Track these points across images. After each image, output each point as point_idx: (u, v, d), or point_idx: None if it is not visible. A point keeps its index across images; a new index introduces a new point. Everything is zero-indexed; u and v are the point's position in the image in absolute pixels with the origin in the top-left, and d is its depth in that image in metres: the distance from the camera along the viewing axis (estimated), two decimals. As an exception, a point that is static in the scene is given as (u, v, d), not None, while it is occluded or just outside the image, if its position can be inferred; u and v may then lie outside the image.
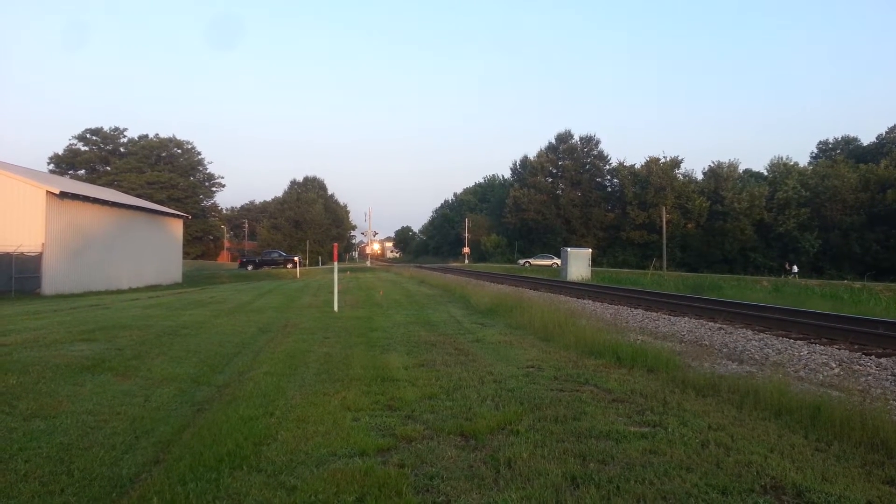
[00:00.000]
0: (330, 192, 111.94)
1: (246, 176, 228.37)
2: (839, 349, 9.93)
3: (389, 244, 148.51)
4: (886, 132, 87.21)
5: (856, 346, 10.24)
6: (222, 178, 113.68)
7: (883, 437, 4.61)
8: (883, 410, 5.31)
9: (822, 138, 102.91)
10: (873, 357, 9.17)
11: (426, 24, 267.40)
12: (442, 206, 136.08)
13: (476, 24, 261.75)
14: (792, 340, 10.80)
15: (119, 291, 28.97)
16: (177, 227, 41.18)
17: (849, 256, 70.02)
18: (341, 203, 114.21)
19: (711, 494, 3.64)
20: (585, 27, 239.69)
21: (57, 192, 26.88)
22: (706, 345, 10.43)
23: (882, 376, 7.83)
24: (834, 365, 8.55)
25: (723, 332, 11.91)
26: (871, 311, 17.20)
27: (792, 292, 25.61)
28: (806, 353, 9.51)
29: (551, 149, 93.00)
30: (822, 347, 10.07)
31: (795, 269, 57.55)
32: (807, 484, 3.81)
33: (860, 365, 8.54)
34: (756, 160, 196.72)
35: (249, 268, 60.38)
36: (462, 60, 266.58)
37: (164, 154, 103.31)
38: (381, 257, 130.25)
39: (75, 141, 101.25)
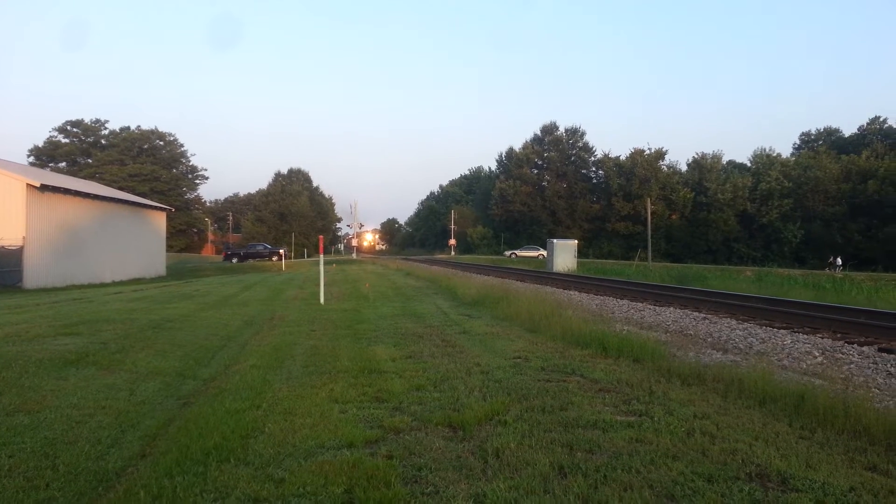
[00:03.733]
0: (315, 185, 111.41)
1: (230, 168, 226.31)
2: (822, 338, 10.05)
3: (376, 236, 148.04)
4: (868, 123, 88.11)
5: (838, 335, 10.37)
6: (205, 170, 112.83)
7: (865, 425, 4.67)
8: (865, 398, 5.38)
9: (805, 130, 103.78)
10: (855, 346, 9.29)
11: (412, 17, 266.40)
12: (428, 197, 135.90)
13: (462, 17, 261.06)
14: (775, 329, 10.91)
15: (102, 285, 28.69)
16: (160, 220, 40.79)
17: (831, 246, 70.71)
18: (326, 195, 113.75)
19: (697, 482, 3.67)
20: (571, 20, 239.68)
21: (38, 184, 26.53)
22: (691, 334, 10.52)
23: (864, 364, 7.93)
24: (817, 353, 8.65)
25: (707, 321, 12.01)
26: (854, 300, 17.43)
27: (775, 282, 25.90)
28: (789, 341, 9.61)
29: (537, 140, 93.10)
30: (806, 336, 10.18)
31: (840, 261, 54.09)
32: (791, 471, 3.86)
33: (843, 353, 8.65)
34: (740, 152, 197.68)
35: (234, 260, 59.95)
36: (448, 53, 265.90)
37: (146, 146, 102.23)
38: (372, 249, 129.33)
39: (56, 133, 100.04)
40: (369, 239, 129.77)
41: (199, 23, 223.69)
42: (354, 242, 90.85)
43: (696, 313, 13.32)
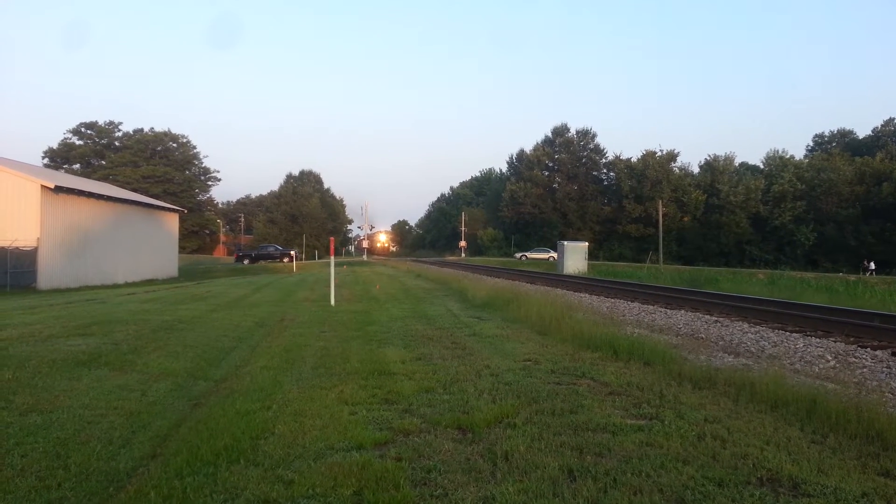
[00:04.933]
0: (326, 186, 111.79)
1: (242, 170, 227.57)
2: (835, 342, 9.97)
3: (389, 236, 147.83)
4: (882, 125, 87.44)
5: (851, 339, 10.27)
6: (218, 172, 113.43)
7: (878, 429, 4.62)
8: (878, 403, 5.34)
9: (818, 131, 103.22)
10: (869, 349, 9.20)
11: (423, 17, 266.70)
12: (438, 199, 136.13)
13: (473, 18, 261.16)
14: (788, 333, 10.84)
15: (115, 286, 28.90)
16: (172, 222, 41.07)
17: (844, 249, 70.20)
18: (337, 197, 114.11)
19: (708, 487, 3.65)
20: (582, 21, 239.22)
21: (52, 186, 26.77)
22: (702, 338, 10.46)
23: (877, 368, 7.87)
24: (829, 357, 8.58)
25: (719, 324, 11.94)
26: (867, 303, 17.26)
27: (787, 285, 25.71)
28: (802, 345, 9.54)
29: (548, 142, 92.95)
30: (818, 340, 10.10)
31: (873, 265, 52.43)
32: (803, 476, 3.83)
33: (856, 357, 8.58)
34: (752, 153, 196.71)
35: (246, 262, 60.25)
36: (459, 54, 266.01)
37: (159, 148, 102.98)
38: (386, 251, 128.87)
39: (70, 135, 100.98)
40: (382, 240, 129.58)
41: (216, 27, 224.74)
42: (365, 244, 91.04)
43: (707, 316, 13.25)
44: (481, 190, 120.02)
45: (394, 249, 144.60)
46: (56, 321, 11.87)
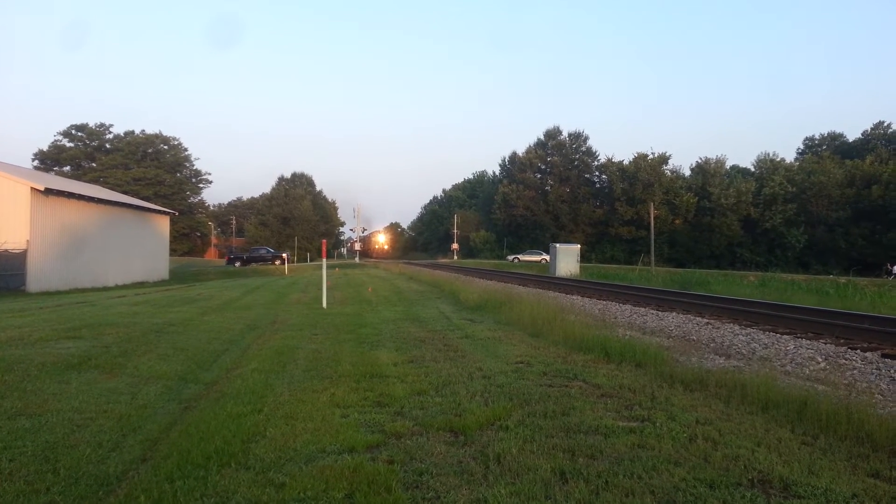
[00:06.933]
0: (318, 189, 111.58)
1: (233, 172, 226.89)
2: (825, 344, 10.01)
3: (387, 236, 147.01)
4: (872, 128, 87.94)
5: (842, 341, 10.32)
6: (209, 174, 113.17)
7: (868, 431, 4.65)
8: (868, 404, 5.36)
9: (809, 134, 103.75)
10: (859, 351, 9.25)
11: (416, 20, 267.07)
12: (431, 202, 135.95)
13: (467, 21, 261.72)
14: (778, 335, 10.88)
15: (105, 288, 28.73)
16: (163, 224, 40.87)
17: (834, 251, 70.61)
18: (329, 199, 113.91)
19: (699, 488, 3.66)
20: (575, 24, 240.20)
21: (42, 188, 26.59)
22: (694, 340, 10.49)
23: (867, 370, 7.90)
24: (820, 359, 8.62)
25: (710, 327, 11.97)
26: (857, 305, 17.34)
27: (778, 287, 25.79)
28: (792, 347, 9.58)
29: (540, 145, 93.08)
30: (809, 342, 10.14)
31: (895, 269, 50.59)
32: (793, 477, 3.85)
33: (846, 359, 8.62)
34: (743, 156, 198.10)
35: (237, 264, 60.03)
36: (452, 57, 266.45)
37: (150, 150, 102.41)
38: (384, 253, 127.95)
39: (60, 137, 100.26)
40: (381, 241, 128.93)
41: (208, 27, 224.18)
42: (357, 246, 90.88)
43: (698, 318, 13.29)
44: (474, 192, 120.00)
45: (386, 249, 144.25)
46: (46, 324, 11.78)
